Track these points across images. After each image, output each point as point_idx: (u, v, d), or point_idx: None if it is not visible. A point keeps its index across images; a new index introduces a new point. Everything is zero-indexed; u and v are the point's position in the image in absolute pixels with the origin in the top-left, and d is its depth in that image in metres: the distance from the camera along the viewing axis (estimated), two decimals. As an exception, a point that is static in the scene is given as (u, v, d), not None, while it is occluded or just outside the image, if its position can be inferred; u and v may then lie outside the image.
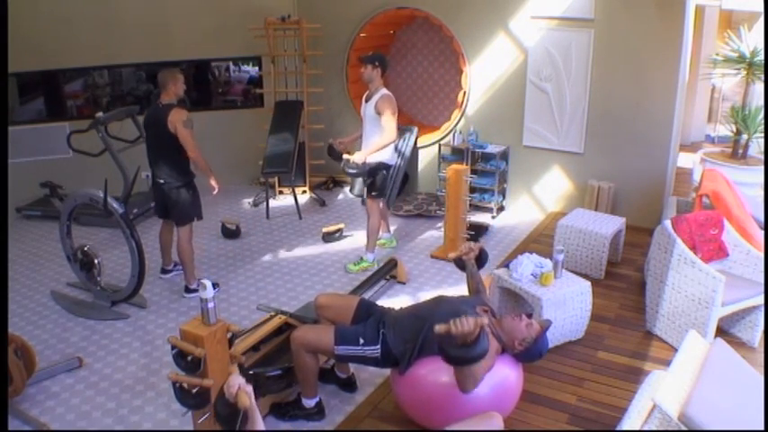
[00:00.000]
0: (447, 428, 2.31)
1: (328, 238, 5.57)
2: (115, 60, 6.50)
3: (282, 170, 6.17)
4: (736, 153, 5.62)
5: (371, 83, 4.72)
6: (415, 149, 6.42)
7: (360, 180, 6.09)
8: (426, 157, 6.62)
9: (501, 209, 6.25)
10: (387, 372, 3.36)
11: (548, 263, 3.90)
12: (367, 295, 4.21)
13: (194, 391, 2.55)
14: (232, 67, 7.06)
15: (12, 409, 3.31)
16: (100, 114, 4.30)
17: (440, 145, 6.37)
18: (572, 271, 4.30)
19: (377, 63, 4.65)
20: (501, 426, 2.35)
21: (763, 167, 5.28)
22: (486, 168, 6.06)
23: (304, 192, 6.71)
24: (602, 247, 4.65)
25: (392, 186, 5.30)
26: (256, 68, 7.01)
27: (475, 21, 5.92)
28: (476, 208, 6.16)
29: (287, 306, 4.33)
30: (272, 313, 3.54)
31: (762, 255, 3.87)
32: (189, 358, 2.67)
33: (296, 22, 6.36)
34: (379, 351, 2.97)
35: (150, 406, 3.42)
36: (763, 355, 3.71)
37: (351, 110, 6.71)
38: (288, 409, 3.26)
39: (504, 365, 2.91)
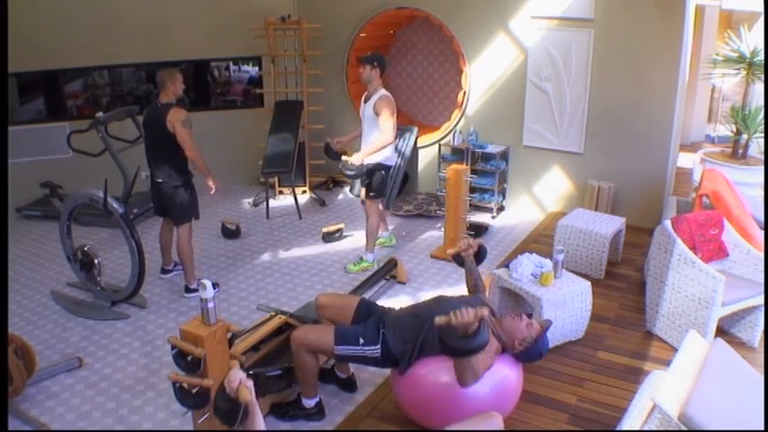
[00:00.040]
0: (447, 428, 2.31)
1: (328, 238, 5.57)
2: (115, 60, 6.50)
3: (282, 170, 6.17)
4: (736, 153, 5.62)
5: (370, 83, 4.71)
6: (415, 149, 6.43)
7: (359, 180, 6.09)
8: (426, 157, 6.62)
9: (501, 209, 6.25)
10: (387, 372, 3.37)
11: (548, 263, 3.90)
12: (367, 295, 4.21)
13: (194, 391, 2.55)
14: (232, 66, 7.06)
15: (12, 409, 3.31)
16: (100, 114, 4.30)
17: (440, 145, 6.38)
18: (572, 271, 4.30)
19: (375, 63, 4.64)
20: (501, 426, 2.35)
21: (763, 167, 5.28)
22: (486, 168, 6.06)
23: (304, 192, 6.71)
24: (602, 247, 4.65)
25: (392, 186, 5.31)
26: (256, 68, 7.01)
27: (475, 21, 5.92)
28: (476, 208, 6.16)
29: (287, 306, 4.33)
30: (272, 313, 3.54)
31: (762, 255, 3.87)
32: (189, 358, 2.67)
33: (296, 22, 6.36)
34: (378, 351, 2.97)
35: (150, 406, 3.42)
36: (763, 355, 3.71)
37: (351, 110, 6.71)
38: (288, 409, 3.26)
39: (504, 365, 2.91)
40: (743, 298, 3.67)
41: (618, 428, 2.37)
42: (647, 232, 5.15)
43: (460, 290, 3.96)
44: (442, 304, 3.03)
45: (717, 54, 6.01)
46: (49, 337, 4.10)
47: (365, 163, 4.75)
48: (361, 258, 5.03)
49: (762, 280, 3.77)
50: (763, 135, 5.48)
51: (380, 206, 5.10)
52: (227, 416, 1.94)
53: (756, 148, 5.73)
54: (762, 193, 5.01)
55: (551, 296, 3.70)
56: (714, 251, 3.94)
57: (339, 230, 5.62)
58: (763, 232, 4.07)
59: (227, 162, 6.85)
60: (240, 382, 1.90)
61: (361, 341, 2.98)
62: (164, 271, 4.94)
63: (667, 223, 3.83)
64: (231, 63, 7.03)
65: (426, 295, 4.38)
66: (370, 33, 6.67)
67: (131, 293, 4.40)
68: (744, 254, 3.95)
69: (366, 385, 3.52)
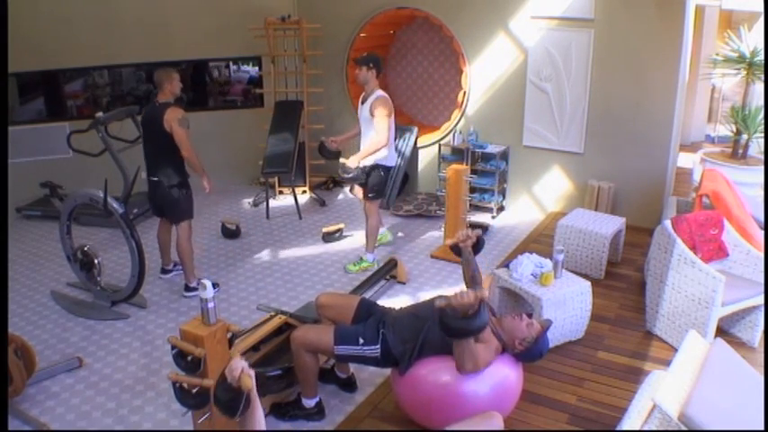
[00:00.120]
0: (447, 428, 2.31)
1: (328, 238, 5.57)
2: (115, 60, 6.50)
3: (282, 170, 6.17)
4: (736, 153, 5.62)
5: (367, 84, 4.70)
6: (415, 149, 6.43)
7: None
8: (426, 157, 6.62)
9: (501, 209, 6.25)
10: (387, 372, 3.37)
11: (548, 263, 3.90)
12: (367, 295, 4.21)
13: (194, 391, 2.54)
14: (232, 66, 7.06)
15: (12, 409, 3.31)
16: (100, 114, 4.30)
17: (440, 145, 6.37)
18: (572, 271, 4.30)
19: (371, 65, 4.62)
20: (501, 426, 2.35)
21: (763, 167, 5.28)
22: (486, 168, 6.06)
23: (304, 192, 6.71)
24: (602, 247, 4.65)
25: (392, 186, 5.31)
26: (256, 68, 7.01)
27: (475, 21, 5.92)
28: (476, 208, 6.16)
29: (287, 306, 4.33)
30: (272, 313, 3.54)
31: (762, 255, 3.87)
32: (189, 358, 2.68)
33: (296, 22, 6.36)
34: (378, 351, 2.97)
35: (150, 406, 3.42)
36: (763, 355, 3.71)
37: (351, 110, 6.71)
38: (288, 409, 3.26)
39: (505, 365, 2.91)
40: (743, 298, 3.67)
41: (618, 428, 2.37)
42: (647, 232, 5.15)
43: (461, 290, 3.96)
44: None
45: (717, 54, 6.01)
46: (49, 337, 4.10)
47: (362, 165, 4.73)
48: (361, 258, 5.03)
49: (762, 280, 3.77)
50: (763, 135, 5.48)
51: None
52: (228, 406, 1.89)
53: (756, 148, 5.73)
54: (762, 193, 5.01)
55: (551, 296, 3.70)
56: (714, 251, 3.94)
57: (339, 230, 5.62)
58: (763, 232, 4.07)
59: (227, 162, 6.86)
60: (242, 370, 1.88)
61: (361, 341, 2.99)
62: (163, 271, 4.94)
63: (667, 223, 3.83)
64: (231, 63, 7.03)
65: (426, 295, 4.38)
66: (370, 33, 6.67)
67: (131, 293, 4.40)
68: (744, 254, 3.95)
69: (366, 385, 3.52)
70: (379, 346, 2.97)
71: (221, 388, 1.91)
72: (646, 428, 2.33)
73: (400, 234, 5.73)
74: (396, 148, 5.07)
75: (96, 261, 4.46)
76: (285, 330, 3.45)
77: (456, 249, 3.30)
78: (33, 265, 5.21)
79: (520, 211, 6.24)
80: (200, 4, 6.56)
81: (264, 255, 5.35)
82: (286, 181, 6.55)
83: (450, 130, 6.33)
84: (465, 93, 6.22)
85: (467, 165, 5.81)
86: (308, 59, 6.53)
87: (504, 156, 6.09)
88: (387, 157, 4.82)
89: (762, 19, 6.20)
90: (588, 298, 3.88)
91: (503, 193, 6.25)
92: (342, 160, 4.76)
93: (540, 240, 5.48)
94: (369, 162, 4.76)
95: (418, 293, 4.60)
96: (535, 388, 3.43)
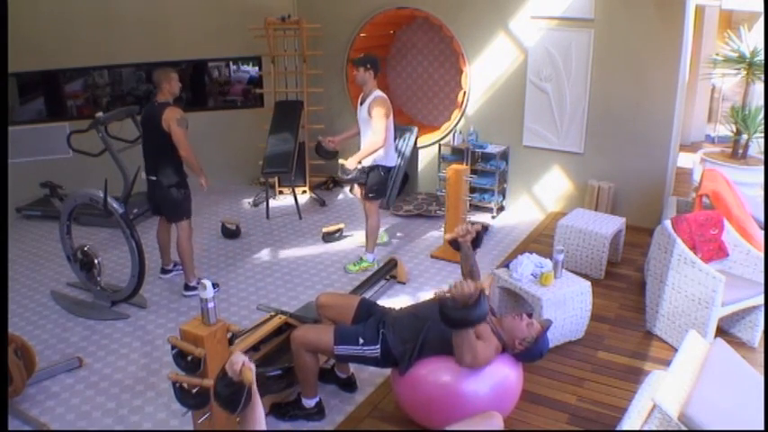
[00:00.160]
0: (447, 428, 2.31)
1: (328, 238, 5.57)
2: (115, 60, 6.50)
3: (282, 170, 6.17)
4: (736, 153, 5.62)
5: (365, 85, 4.69)
6: (415, 149, 6.43)
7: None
8: (426, 157, 6.62)
9: (501, 209, 6.25)
10: (387, 372, 3.37)
11: (548, 263, 3.90)
12: (367, 295, 4.21)
13: (194, 391, 2.54)
14: (232, 66, 7.06)
15: (12, 409, 3.31)
16: (100, 114, 4.31)
17: (440, 145, 6.37)
18: (572, 271, 4.30)
19: (368, 65, 4.62)
20: (501, 426, 2.35)
21: (763, 167, 5.28)
22: (486, 168, 6.06)
23: (304, 192, 6.71)
24: (602, 247, 4.65)
25: (392, 186, 5.30)
26: (256, 68, 7.01)
27: (475, 21, 5.92)
28: (476, 208, 6.16)
29: (287, 306, 4.33)
30: (272, 313, 3.54)
31: (762, 255, 3.87)
32: (189, 358, 2.68)
33: (296, 22, 6.36)
34: (378, 351, 2.97)
35: (150, 406, 3.42)
36: (763, 355, 3.71)
37: (351, 110, 6.71)
38: (288, 409, 3.26)
39: (504, 365, 2.91)
40: (743, 298, 3.67)
41: (618, 428, 2.37)
42: (647, 232, 5.15)
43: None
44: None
45: (717, 54, 6.01)
46: (49, 337, 4.10)
47: (360, 166, 4.73)
48: (361, 258, 5.03)
49: (762, 280, 3.77)
50: (763, 135, 5.49)
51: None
52: (229, 401, 1.87)
53: (756, 148, 5.73)
54: (762, 193, 5.01)
55: (551, 296, 3.70)
56: (714, 251, 3.94)
57: (339, 230, 5.62)
58: (763, 232, 4.07)
59: (227, 162, 6.86)
60: (243, 364, 1.86)
61: (361, 341, 2.99)
62: (163, 271, 4.94)
63: (667, 223, 3.83)
64: (231, 63, 7.03)
65: (426, 295, 4.38)
66: (370, 33, 6.67)
67: (131, 293, 4.40)
68: (744, 254, 3.95)
69: (366, 385, 3.52)
70: (378, 347, 2.97)
71: (222, 383, 1.89)
72: (646, 428, 2.33)
73: (399, 234, 5.72)
74: (396, 148, 5.07)
75: (96, 261, 4.46)
76: (285, 330, 3.45)
77: (455, 244, 3.29)
78: (33, 265, 5.21)
79: (520, 211, 6.24)
80: (200, 4, 6.56)
81: (264, 255, 5.35)
82: (286, 181, 6.55)
83: (450, 130, 6.33)
84: (465, 93, 6.22)
85: (467, 165, 5.81)
86: (308, 59, 6.53)
87: (504, 156, 6.09)
88: (387, 157, 4.83)
89: (762, 19, 6.20)
90: (588, 298, 3.88)
91: (503, 193, 6.25)
92: (341, 161, 4.76)
93: (540, 240, 5.48)
94: (369, 162, 4.76)
95: (418, 293, 4.60)
96: (535, 388, 3.43)
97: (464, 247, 3.24)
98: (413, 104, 7.19)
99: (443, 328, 2.79)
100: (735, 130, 5.63)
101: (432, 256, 5.23)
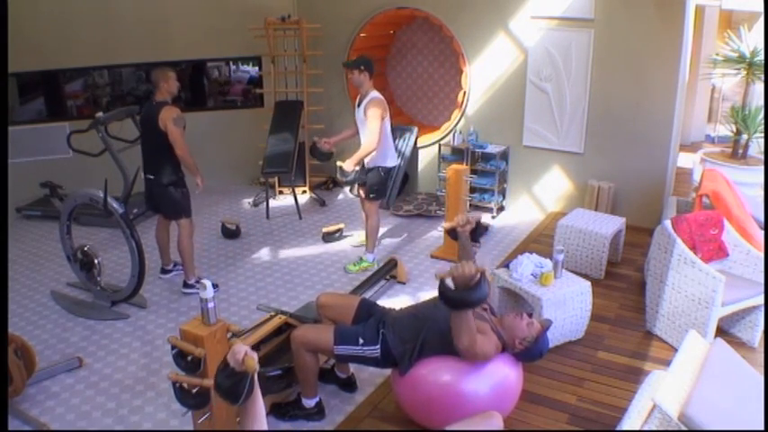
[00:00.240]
0: (447, 428, 2.31)
1: (328, 238, 5.57)
2: (115, 60, 6.50)
3: (282, 170, 6.17)
4: (736, 153, 5.62)
5: (361, 87, 4.69)
6: (414, 149, 6.43)
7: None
8: (426, 157, 6.62)
9: (501, 209, 6.25)
10: (387, 372, 3.37)
11: (548, 263, 3.90)
12: (367, 295, 4.21)
13: (194, 391, 2.54)
14: (232, 66, 7.06)
15: (12, 409, 3.31)
16: (100, 114, 4.31)
17: (440, 145, 6.37)
18: (572, 271, 4.30)
19: (362, 67, 4.61)
20: (501, 426, 2.35)
21: (763, 167, 5.28)
22: (486, 168, 6.06)
23: (304, 192, 6.71)
24: (602, 247, 4.65)
25: (392, 187, 5.30)
26: (256, 68, 7.01)
27: (475, 21, 5.92)
28: (476, 208, 6.15)
29: (287, 306, 4.33)
30: (272, 313, 3.54)
31: (762, 255, 3.87)
32: (189, 358, 2.67)
33: (296, 22, 6.36)
34: (378, 351, 2.97)
35: (150, 406, 3.42)
36: (763, 355, 3.71)
37: (350, 110, 6.68)
38: (288, 409, 3.26)
39: (504, 365, 2.91)
40: (743, 298, 3.67)
41: (618, 428, 2.37)
42: (647, 232, 5.15)
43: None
44: (441, 304, 3.02)
45: (717, 54, 6.01)
46: (49, 337, 4.10)
47: (358, 168, 4.72)
48: (361, 258, 5.03)
49: (762, 280, 3.77)
50: (763, 135, 5.48)
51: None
52: (230, 391, 1.84)
53: (756, 148, 5.73)
54: (762, 193, 5.01)
55: (551, 296, 3.70)
56: (714, 251, 3.94)
57: (339, 230, 5.62)
58: (763, 232, 4.07)
59: (226, 162, 6.86)
60: (245, 353, 1.83)
61: (361, 341, 2.99)
62: (163, 271, 4.94)
63: (667, 223, 3.83)
64: (231, 63, 7.02)
65: (426, 295, 4.38)
66: (370, 33, 6.67)
67: (131, 293, 4.40)
68: (744, 254, 3.95)
69: (366, 385, 3.52)
70: (378, 347, 2.97)
71: (223, 374, 1.86)
72: (646, 428, 2.33)
73: (400, 234, 5.72)
74: (396, 149, 5.07)
75: (96, 261, 4.46)
76: (285, 330, 3.45)
77: (453, 233, 3.24)
78: (33, 265, 5.21)
79: (520, 211, 6.24)
80: (199, 3, 6.56)
81: (264, 255, 5.35)
82: (286, 181, 6.55)
83: (450, 130, 6.33)
84: (465, 93, 6.22)
85: (467, 165, 5.81)
86: (308, 59, 6.53)
87: (504, 156, 6.09)
88: (387, 157, 4.82)
89: (762, 19, 6.20)
90: (588, 298, 3.88)
91: (503, 193, 6.25)
92: (339, 163, 4.76)
93: (540, 240, 5.48)
94: (369, 163, 4.76)
95: (418, 293, 4.60)
96: (535, 388, 3.43)
97: (462, 237, 3.18)
98: (413, 104, 7.19)
99: (443, 327, 2.80)
100: (735, 130, 5.63)
101: (432, 256, 5.23)
